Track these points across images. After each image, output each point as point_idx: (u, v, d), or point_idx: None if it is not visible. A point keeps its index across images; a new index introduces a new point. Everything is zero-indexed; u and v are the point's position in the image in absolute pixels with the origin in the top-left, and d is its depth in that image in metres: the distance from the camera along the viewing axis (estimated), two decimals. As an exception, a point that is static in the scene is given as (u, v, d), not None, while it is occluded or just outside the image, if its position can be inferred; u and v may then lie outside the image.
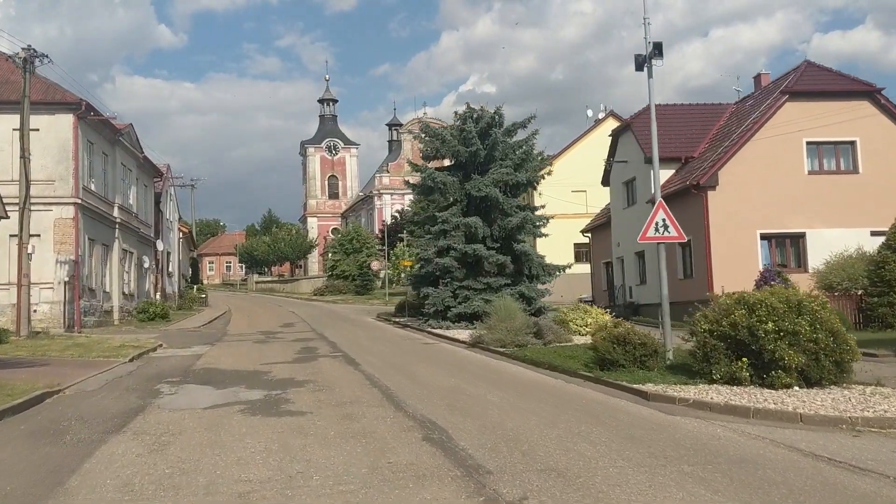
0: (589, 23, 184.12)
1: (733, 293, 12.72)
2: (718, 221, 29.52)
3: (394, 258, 65.88)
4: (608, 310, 28.52)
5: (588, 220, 45.82)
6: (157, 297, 44.80)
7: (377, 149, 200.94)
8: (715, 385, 11.53)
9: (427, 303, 27.94)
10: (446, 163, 30.27)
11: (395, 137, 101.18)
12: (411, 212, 74.65)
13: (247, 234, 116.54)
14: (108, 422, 10.06)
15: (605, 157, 38.59)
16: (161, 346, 23.58)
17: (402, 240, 70.08)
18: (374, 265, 68.01)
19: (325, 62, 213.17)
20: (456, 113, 29.56)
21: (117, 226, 36.45)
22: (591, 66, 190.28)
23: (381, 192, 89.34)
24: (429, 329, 27.61)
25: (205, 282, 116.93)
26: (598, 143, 55.90)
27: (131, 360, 19.07)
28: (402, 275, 65.80)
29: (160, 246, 45.52)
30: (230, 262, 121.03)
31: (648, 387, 11.61)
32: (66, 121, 31.16)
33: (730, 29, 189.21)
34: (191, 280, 66.42)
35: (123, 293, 37.50)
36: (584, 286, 44.19)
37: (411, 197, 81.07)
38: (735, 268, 29.55)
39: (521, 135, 29.39)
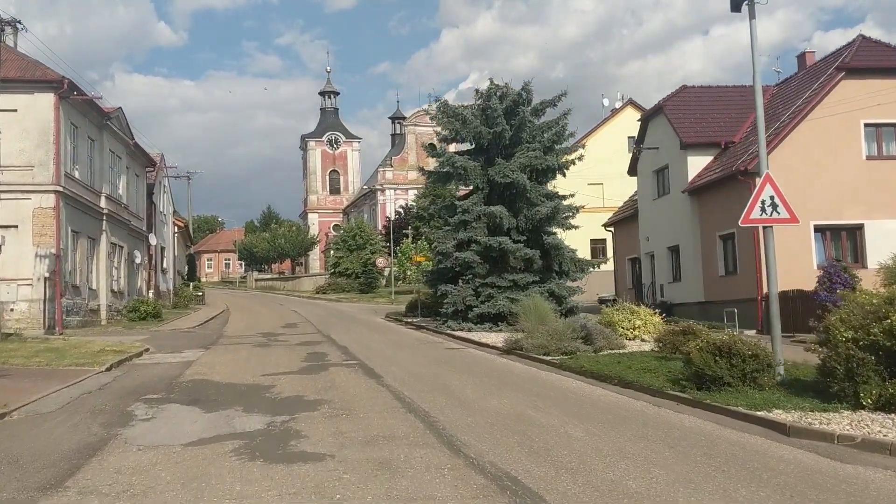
0: (589, 21, 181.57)
1: (881, 289, 9.75)
2: (768, 211, 26.56)
3: (399, 255, 63.05)
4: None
5: (606, 214, 42.89)
6: (150, 294, 41.91)
7: (377, 147, 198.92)
8: (865, 412, 8.66)
9: (446, 302, 25.05)
10: (462, 148, 27.27)
11: (398, 131, 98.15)
12: (421, 204, 71.86)
13: (246, 230, 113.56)
14: (49, 468, 7.20)
15: (634, 143, 35.64)
16: (148, 350, 20.73)
17: (406, 236, 67.26)
18: (380, 262, 65.15)
19: (327, 53, 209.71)
20: (477, 91, 26.68)
21: (105, 217, 33.53)
22: (591, 65, 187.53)
23: (385, 186, 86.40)
24: (448, 331, 24.73)
25: (203, 279, 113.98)
26: (615, 132, 53.17)
27: (109, 369, 16.19)
28: (409, 272, 62.98)
29: (153, 240, 42.62)
30: (229, 260, 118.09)
31: (779, 415, 8.73)
32: (45, 101, 28.24)
33: (730, 27, 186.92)
34: (187, 277, 63.55)
35: (112, 290, 34.59)
36: (603, 284, 41.22)
37: (416, 192, 78.31)
38: (787, 263, 26.54)
39: (549, 115, 26.52)
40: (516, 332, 21.07)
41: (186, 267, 66.94)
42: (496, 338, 21.63)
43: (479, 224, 25.34)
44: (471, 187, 26.59)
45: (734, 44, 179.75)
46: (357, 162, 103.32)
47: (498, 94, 25.55)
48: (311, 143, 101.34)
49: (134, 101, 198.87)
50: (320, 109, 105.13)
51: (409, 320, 31.81)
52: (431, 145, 28.00)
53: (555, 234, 25.52)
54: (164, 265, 47.97)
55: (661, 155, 33.58)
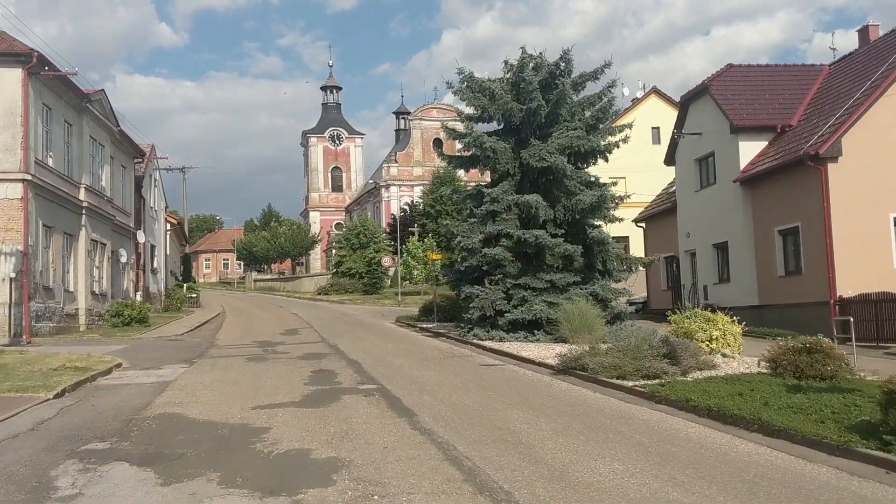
0: (590, 21, 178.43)
1: None
2: (842, 201, 23.06)
3: (405, 254, 59.46)
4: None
5: (629, 210, 39.17)
6: (138, 297, 38.34)
7: (378, 147, 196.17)
8: None
9: (472, 306, 21.48)
10: (487, 129, 23.64)
11: (403, 126, 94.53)
12: (427, 200, 68.26)
13: (245, 229, 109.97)
14: None
15: (674, 130, 32.07)
16: (119, 365, 17.25)
17: (413, 234, 63.69)
18: (386, 261, 61.56)
19: (329, 47, 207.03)
20: (506, 63, 23.03)
21: (84, 211, 29.97)
22: (592, 65, 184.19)
23: (389, 183, 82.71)
24: (475, 341, 21.19)
25: (200, 280, 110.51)
26: (638, 122, 49.71)
27: (59, 396, 12.67)
28: (415, 272, 59.38)
29: (141, 238, 39.06)
30: (227, 260, 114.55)
31: None
32: (12, 77, 24.70)
33: (731, 28, 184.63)
34: (182, 278, 60.00)
35: (93, 292, 31.04)
36: (632, 285, 37.63)
37: (422, 188, 74.73)
38: (862, 261, 23.12)
39: (590, 89, 22.95)
40: (565, 344, 17.72)
41: (181, 267, 63.40)
42: (538, 350, 18.07)
43: (509, 216, 21.80)
44: (489, 176, 22.95)
45: (735, 44, 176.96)
46: (360, 158, 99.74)
47: (531, 64, 21.96)
48: (313, 139, 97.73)
49: (135, 102, 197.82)
50: (322, 105, 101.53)
51: (424, 326, 28.25)
52: (450, 129, 24.36)
53: (599, 226, 21.96)
54: (155, 265, 44.42)
55: (706, 141, 30.06)
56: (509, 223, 21.64)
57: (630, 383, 12.11)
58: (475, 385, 12.96)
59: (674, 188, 35.15)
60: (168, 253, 51.64)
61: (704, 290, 30.86)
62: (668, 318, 17.19)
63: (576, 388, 12.60)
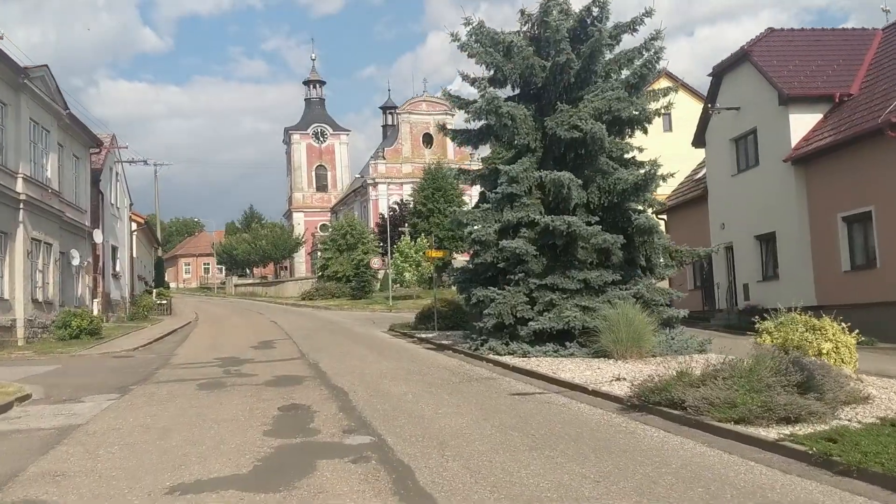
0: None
1: None
2: (932, 181, 18.92)
3: (396, 255, 55.07)
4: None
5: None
6: (96, 305, 33.81)
7: (363, 151, 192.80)
8: None
9: (486, 313, 17.13)
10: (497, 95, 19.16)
11: (391, 122, 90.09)
12: (418, 198, 63.96)
13: (226, 232, 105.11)
14: None
15: (708, 105, 27.85)
16: (28, 397, 13.00)
17: (403, 234, 59.34)
18: (375, 263, 57.13)
19: (311, 40, 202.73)
20: (522, 13, 18.60)
21: (23, 205, 25.46)
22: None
23: (377, 181, 78.17)
24: (491, 356, 16.87)
25: (180, 286, 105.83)
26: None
27: None
28: (407, 275, 55.00)
29: (98, 237, 34.47)
30: (208, 264, 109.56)
31: None
32: (-81, 39, 20.27)
33: (715, 28, 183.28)
34: (155, 284, 55.37)
35: (34, 300, 26.52)
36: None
37: (412, 186, 70.38)
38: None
39: (626, 43, 18.64)
40: (607, 360, 13.62)
41: (153, 272, 58.78)
42: (580, 370, 13.73)
43: (531, 199, 17.52)
44: (520, 145, 18.60)
45: (719, 45, 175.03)
46: (345, 156, 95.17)
47: (557, 9, 17.62)
48: (296, 136, 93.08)
49: (119, 107, 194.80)
50: (305, 100, 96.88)
51: (424, 336, 23.90)
52: (454, 96, 19.89)
53: (644, 212, 17.67)
54: (118, 269, 39.84)
55: (745, 117, 25.90)
56: (532, 208, 17.34)
57: (764, 432, 7.78)
58: (521, 434, 8.60)
59: (701, 173, 30.97)
60: (135, 255, 47.08)
61: (745, 288, 26.66)
62: (756, 327, 12.86)
63: (674, 438, 8.24)
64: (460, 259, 70.31)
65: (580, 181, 16.81)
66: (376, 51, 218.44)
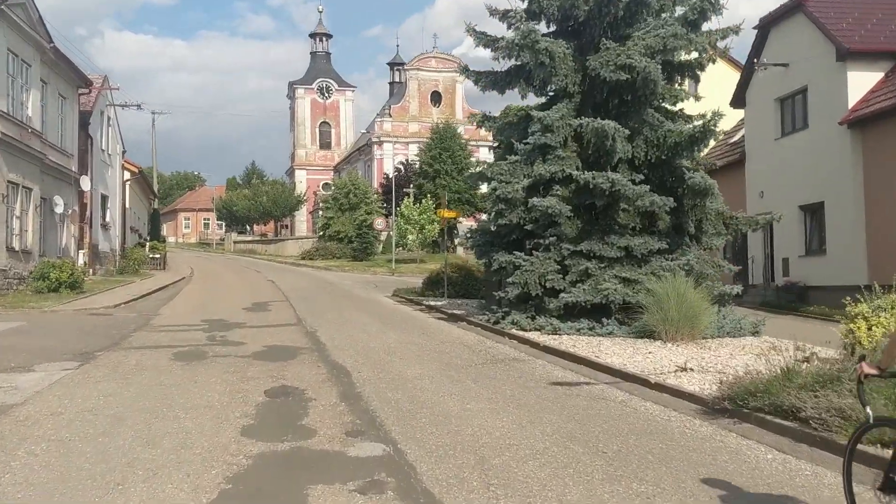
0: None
1: None
2: None
3: (399, 217, 52.72)
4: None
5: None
6: (81, 256, 31.59)
7: (367, 112, 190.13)
8: None
9: (510, 281, 14.90)
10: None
11: (398, 78, 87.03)
12: (425, 158, 61.47)
13: (227, 187, 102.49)
14: None
15: (752, 60, 25.32)
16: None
17: (408, 195, 56.95)
18: (378, 223, 54.81)
19: (319, 11, 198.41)
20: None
21: (-3, 144, 23.19)
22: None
23: (382, 139, 75.45)
24: (515, 331, 14.69)
25: (179, 240, 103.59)
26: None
27: None
28: (410, 237, 52.65)
29: (86, 184, 32.09)
30: (208, 220, 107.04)
31: None
32: None
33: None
34: (150, 237, 53.04)
35: (9, 248, 24.28)
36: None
37: (418, 145, 67.76)
38: None
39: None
40: (654, 341, 11.55)
41: (149, 225, 56.47)
42: (627, 354, 11.54)
43: (567, 152, 15.19)
44: (556, 87, 16.22)
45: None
46: (350, 113, 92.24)
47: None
48: (300, 91, 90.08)
49: (123, 60, 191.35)
50: (310, 54, 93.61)
51: (433, 304, 21.70)
52: (480, 33, 17.32)
53: (699, 170, 15.33)
54: (107, 219, 37.54)
55: (795, 74, 23.47)
56: (567, 162, 15.02)
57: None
58: (586, 450, 6.39)
59: (738, 136, 28.54)
60: (128, 206, 44.76)
61: (784, 263, 24.45)
62: (847, 311, 10.58)
63: (797, 463, 6.02)
64: (466, 223, 68.20)
65: (626, 131, 14.43)
66: (384, 9, 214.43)
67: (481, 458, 6.03)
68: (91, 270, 32.85)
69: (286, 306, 21.50)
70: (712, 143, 23.73)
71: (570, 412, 7.93)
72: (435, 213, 51.62)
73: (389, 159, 73.50)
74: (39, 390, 9.10)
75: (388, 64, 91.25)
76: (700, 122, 14.64)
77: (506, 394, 8.89)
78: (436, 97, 77.15)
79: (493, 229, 16.50)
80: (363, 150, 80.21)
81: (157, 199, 62.21)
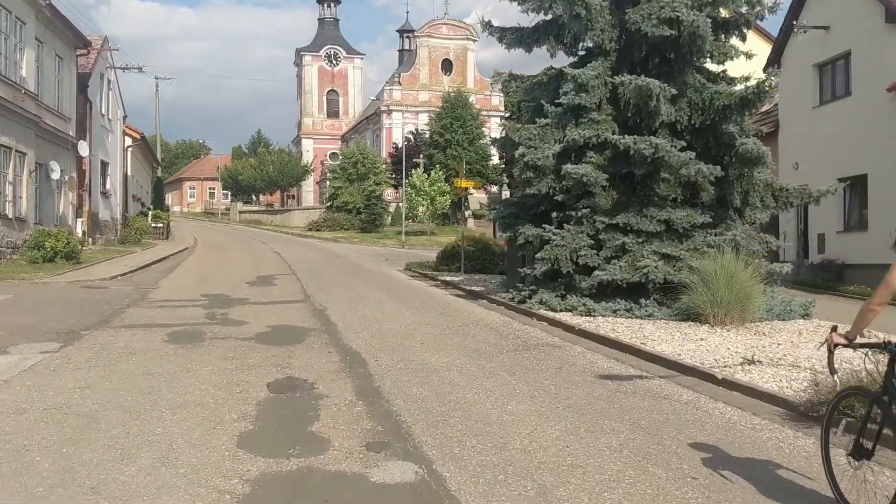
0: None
1: None
2: None
3: (409, 188, 51.30)
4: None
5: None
6: (80, 225, 30.34)
7: (375, 83, 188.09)
8: None
9: (538, 257, 13.57)
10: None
11: (407, 46, 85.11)
12: (435, 127, 59.90)
13: (233, 156, 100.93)
14: None
15: (791, 23, 23.71)
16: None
17: (417, 165, 55.49)
18: (388, 194, 53.39)
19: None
20: None
21: (-13, 106, 21.86)
22: None
23: (392, 108, 73.74)
24: (543, 311, 13.40)
25: (184, 210, 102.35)
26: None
27: None
28: (420, 209, 51.25)
29: (84, 150, 30.74)
30: (213, 189, 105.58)
31: None
32: None
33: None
34: (154, 206, 51.79)
35: (3, 216, 23.07)
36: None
37: (428, 115, 66.13)
38: None
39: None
40: (701, 325, 10.38)
41: (152, 193, 55.23)
42: (677, 340, 10.25)
43: (602, 115, 13.79)
44: (589, 44, 14.78)
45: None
46: (359, 82, 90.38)
47: None
48: (307, 58, 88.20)
49: (130, 27, 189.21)
50: (318, 20, 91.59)
51: (448, 279, 20.42)
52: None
53: (751, 136, 13.91)
54: (107, 186, 36.25)
55: (836, 37, 21.91)
56: (603, 126, 13.63)
57: None
58: (669, 475, 5.08)
59: (771, 105, 26.98)
60: (130, 174, 43.44)
61: (820, 240, 23.05)
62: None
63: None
64: (476, 196, 66.68)
65: (673, 91, 13.01)
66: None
67: (542, 488, 4.74)
68: (90, 240, 31.65)
69: (292, 280, 20.23)
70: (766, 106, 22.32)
71: (632, 417, 6.63)
72: (447, 183, 50.29)
73: (398, 129, 71.90)
74: (7, 379, 7.86)
75: (397, 31, 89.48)
76: (753, 82, 13.18)
77: (549, 390, 7.60)
78: (447, 65, 75.33)
79: (516, 200, 15.14)
80: (371, 120, 78.57)
81: (160, 168, 60.86)
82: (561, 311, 13.32)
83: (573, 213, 13.79)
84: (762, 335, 11.00)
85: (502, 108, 76.90)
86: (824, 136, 22.46)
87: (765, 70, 25.58)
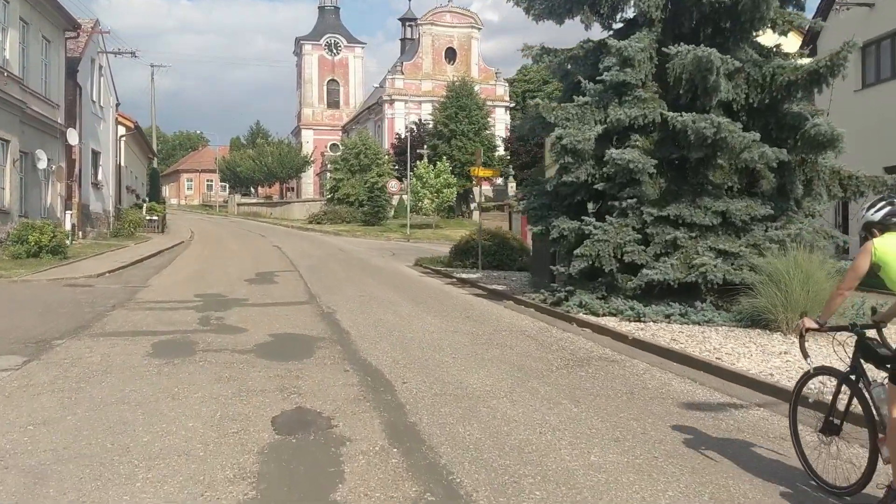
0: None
1: None
2: None
3: (414, 180, 49.57)
4: None
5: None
6: (69, 217, 28.64)
7: (375, 75, 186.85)
8: None
9: (578, 253, 11.94)
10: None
11: (409, 35, 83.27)
12: (439, 118, 58.21)
13: (231, 147, 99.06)
14: None
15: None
16: None
17: (421, 157, 53.76)
18: (392, 186, 51.68)
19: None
20: None
21: (-35, 89, 20.19)
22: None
23: (394, 97, 71.89)
24: (583, 316, 11.76)
25: (181, 202, 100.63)
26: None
27: None
28: (425, 201, 49.56)
29: (73, 139, 29.03)
30: (211, 181, 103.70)
31: None
32: None
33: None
34: (149, 198, 50.06)
35: (-18, 208, 21.48)
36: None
37: (432, 104, 64.43)
38: None
39: None
40: (772, 333, 8.47)
41: (147, 185, 53.52)
42: (765, 358, 8.54)
43: (649, 92, 12.15)
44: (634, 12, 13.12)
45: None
46: (360, 71, 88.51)
47: None
48: (307, 48, 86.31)
49: (130, 19, 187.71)
50: (318, 8, 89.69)
51: (465, 276, 18.79)
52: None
53: (821, 115, 12.28)
54: (99, 177, 34.57)
55: (882, 15, 20.27)
56: (651, 105, 11.98)
57: None
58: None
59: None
60: (124, 164, 41.75)
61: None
62: None
63: None
64: (483, 187, 64.92)
65: (737, 63, 11.36)
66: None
67: None
68: (80, 233, 30.03)
69: (295, 277, 18.60)
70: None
71: (759, 468, 5.00)
72: (454, 175, 48.72)
73: (401, 119, 70.13)
74: (-54, 412, 6.22)
75: (399, 19, 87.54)
76: (826, 55, 11.53)
77: (632, 428, 5.96)
78: (450, 54, 73.53)
79: (549, 189, 13.48)
80: (373, 110, 76.78)
81: (156, 158, 59.05)
82: (604, 314, 11.69)
83: (616, 203, 12.14)
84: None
85: (507, 99, 75.37)
86: (868, 121, 20.79)
87: (801, 48, 23.96)
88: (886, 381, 4.30)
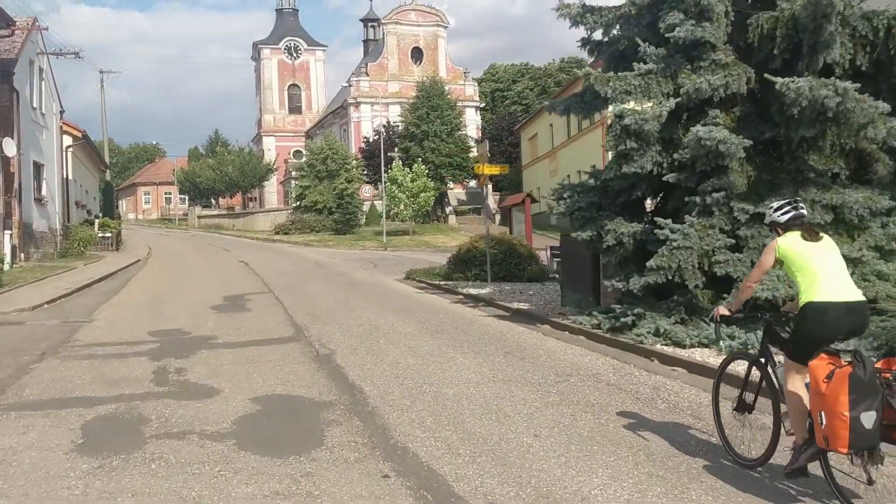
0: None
1: None
2: None
3: (389, 183, 46.53)
4: None
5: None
6: (8, 238, 25.22)
7: (335, 83, 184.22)
8: None
9: (651, 266, 9.14)
10: None
11: (372, 35, 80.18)
12: (410, 119, 55.34)
13: (189, 158, 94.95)
14: None
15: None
16: None
17: (393, 160, 50.77)
18: (365, 192, 48.64)
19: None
20: None
21: None
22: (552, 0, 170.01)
23: (360, 100, 68.70)
24: (659, 348, 8.96)
25: (139, 217, 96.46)
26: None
27: None
28: (402, 207, 46.58)
29: (10, 149, 25.57)
30: (170, 194, 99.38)
31: None
32: None
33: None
34: (103, 214, 46.40)
35: None
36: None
37: (400, 106, 61.58)
38: None
39: None
40: None
41: (101, 199, 49.89)
42: None
43: (729, 55, 9.43)
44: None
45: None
46: (321, 75, 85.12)
47: None
48: (266, 52, 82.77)
49: (81, 33, 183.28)
50: (276, 11, 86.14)
51: (474, 292, 15.93)
52: None
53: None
54: (43, 192, 31.07)
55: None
56: (735, 70, 9.26)
57: None
58: None
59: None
60: (72, 178, 38.19)
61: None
62: None
63: None
64: (457, 190, 62.11)
65: (860, 8, 8.68)
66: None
67: None
68: (23, 255, 26.64)
69: (271, 301, 15.61)
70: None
71: None
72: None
73: (368, 122, 67.01)
74: None
75: (361, 20, 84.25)
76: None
77: None
78: (416, 54, 70.67)
79: (595, 184, 10.66)
80: (338, 114, 73.57)
81: (108, 171, 55.30)
82: (691, 346, 8.91)
83: (696, 199, 9.37)
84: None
85: (477, 98, 72.75)
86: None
87: None
88: (784, 358, 4.71)
